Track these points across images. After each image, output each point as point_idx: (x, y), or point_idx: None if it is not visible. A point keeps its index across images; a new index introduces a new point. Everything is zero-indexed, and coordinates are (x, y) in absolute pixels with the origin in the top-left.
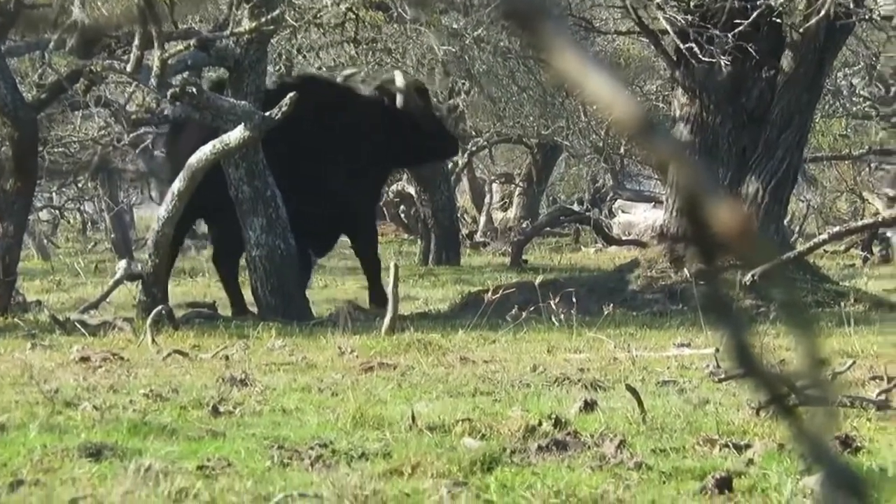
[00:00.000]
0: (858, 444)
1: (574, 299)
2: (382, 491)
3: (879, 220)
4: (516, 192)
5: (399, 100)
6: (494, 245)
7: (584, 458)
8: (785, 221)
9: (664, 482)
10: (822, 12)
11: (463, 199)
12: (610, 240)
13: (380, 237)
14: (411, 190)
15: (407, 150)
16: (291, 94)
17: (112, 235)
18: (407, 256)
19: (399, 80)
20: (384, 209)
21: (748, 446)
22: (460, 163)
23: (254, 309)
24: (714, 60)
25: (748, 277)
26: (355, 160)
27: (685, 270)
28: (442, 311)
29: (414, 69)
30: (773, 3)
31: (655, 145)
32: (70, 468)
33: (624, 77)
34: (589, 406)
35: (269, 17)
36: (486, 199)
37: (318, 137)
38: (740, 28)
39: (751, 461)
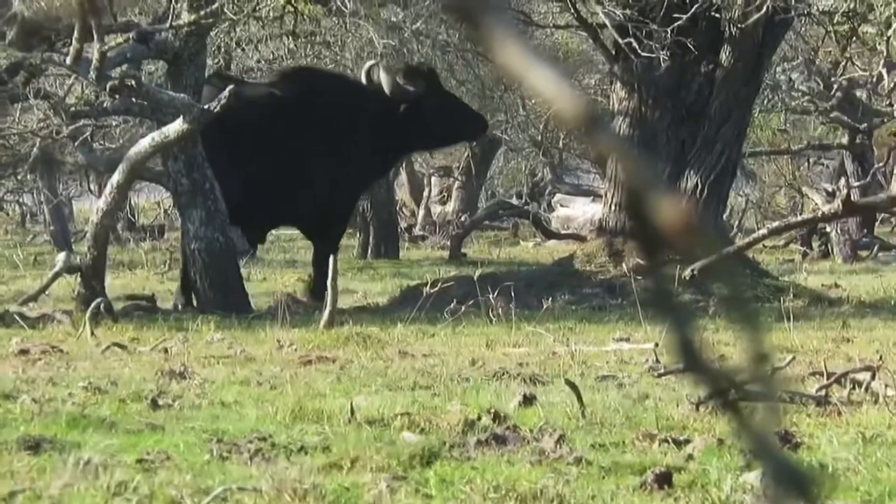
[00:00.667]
0: (798, 440)
1: (513, 293)
2: (321, 485)
3: (818, 215)
4: (455, 186)
5: (387, 86)
6: (433, 239)
7: (524, 452)
8: (724, 216)
9: (603, 477)
10: (762, 8)
11: (401, 192)
12: (549, 234)
13: None
14: None
15: (422, 134)
16: (230, 88)
17: (51, 228)
18: (345, 250)
19: (380, 68)
20: None
21: (688, 441)
22: None
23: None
24: (653, 55)
25: (688, 272)
26: (342, 150)
27: (624, 265)
28: (381, 305)
29: (352, 62)
30: None
31: (597, 140)
32: (9, 461)
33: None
34: (528, 400)
35: (208, 10)
36: (425, 193)
37: (308, 126)
38: (679, 23)
39: (690, 456)
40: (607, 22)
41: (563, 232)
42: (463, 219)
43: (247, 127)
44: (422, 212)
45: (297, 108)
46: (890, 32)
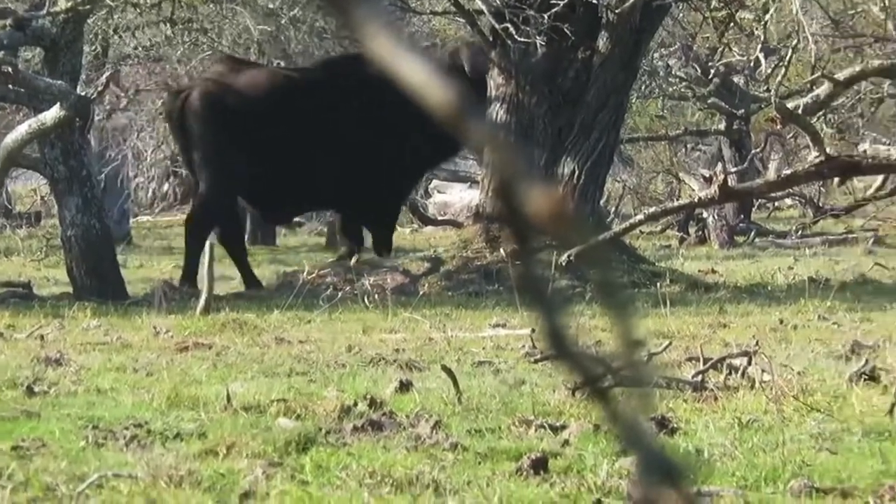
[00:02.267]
0: (675, 426)
1: (389, 279)
2: (197, 471)
3: (695, 200)
4: None
5: (467, 66)
6: (310, 225)
7: (400, 438)
8: (601, 202)
9: (479, 463)
10: None
11: None
12: (426, 220)
13: None
14: None
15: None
16: (108, 74)
17: None
18: None
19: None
20: None
21: (564, 427)
22: None
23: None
24: (530, 41)
25: (564, 258)
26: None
27: (501, 251)
28: (257, 291)
29: (230, 49)
30: None
31: (469, 127)
32: None
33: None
34: (404, 386)
35: None
36: None
37: (366, 114)
38: (556, 9)
39: (566, 442)
40: (484, 8)
41: (440, 218)
42: None
43: (304, 112)
44: None
45: (353, 94)
46: (767, 18)
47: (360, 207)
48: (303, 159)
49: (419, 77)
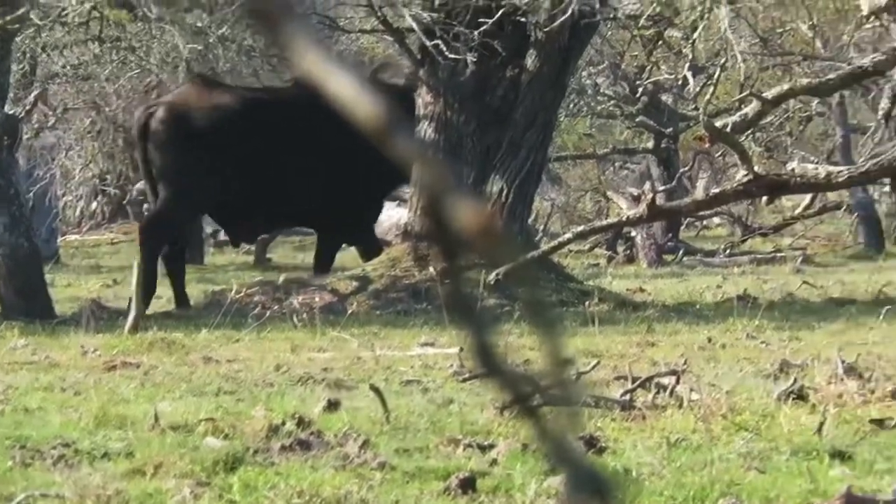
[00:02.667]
0: (603, 445)
1: (318, 298)
2: (125, 491)
3: (623, 219)
4: None
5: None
6: None
7: (328, 457)
8: (529, 220)
9: (408, 482)
10: (568, 12)
11: None
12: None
13: (123, 236)
14: None
15: None
16: (36, 93)
17: None
18: None
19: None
20: (128, 208)
21: (492, 446)
22: None
23: None
24: (459, 58)
25: (492, 276)
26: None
27: (429, 269)
28: (186, 311)
29: (158, 67)
30: (517, 2)
31: (398, 144)
32: None
33: (368, 76)
34: (332, 405)
35: (13, 15)
36: None
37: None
38: (485, 26)
39: (495, 461)
40: (414, 24)
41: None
42: None
43: (264, 130)
44: None
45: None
46: (695, 36)
47: (331, 225)
48: (270, 178)
49: (348, 93)
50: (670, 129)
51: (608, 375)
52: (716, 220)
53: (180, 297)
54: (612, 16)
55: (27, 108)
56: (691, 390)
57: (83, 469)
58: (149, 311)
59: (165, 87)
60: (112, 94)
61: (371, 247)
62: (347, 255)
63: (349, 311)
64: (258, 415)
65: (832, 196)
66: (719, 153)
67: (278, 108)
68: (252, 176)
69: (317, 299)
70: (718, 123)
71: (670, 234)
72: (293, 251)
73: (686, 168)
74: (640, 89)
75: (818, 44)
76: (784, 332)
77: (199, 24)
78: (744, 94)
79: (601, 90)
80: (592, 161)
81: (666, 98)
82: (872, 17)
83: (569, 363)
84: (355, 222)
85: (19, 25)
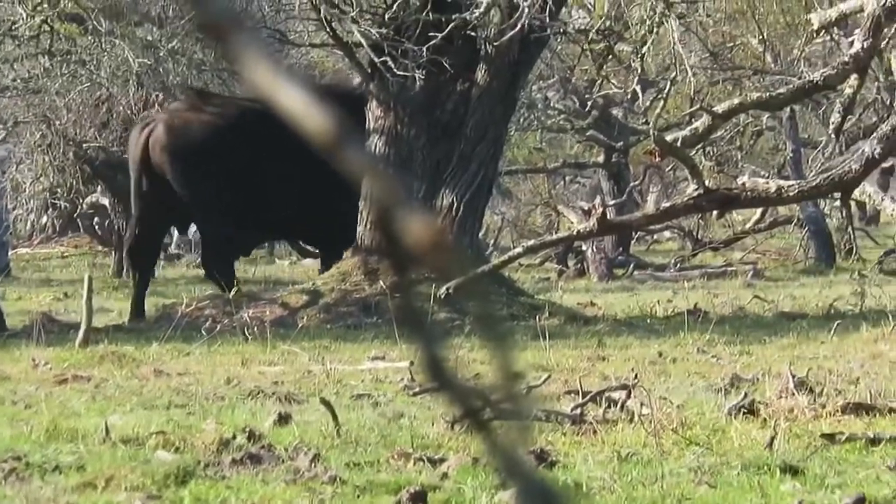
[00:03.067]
0: (554, 459)
1: (268, 312)
2: None
3: (574, 233)
4: None
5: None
6: (189, 257)
7: (278, 471)
8: (480, 234)
9: (358, 496)
10: (518, 26)
11: None
12: (304, 252)
13: (74, 250)
14: (105, 201)
15: None
16: None
17: None
18: (101, 268)
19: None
20: (79, 221)
21: (443, 460)
22: None
23: None
24: (408, 74)
25: (443, 290)
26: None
27: (380, 283)
28: (136, 324)
29: (108, 81)
30: (467, 17)
31: (348, 158)
32: None
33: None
34: (283, 419)
35: None
36: None
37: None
38: (434, 41)
39: (445, 475)
40: (363, 41)
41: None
42: None
43: (268, 142)
44: (177, 230)
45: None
46: (645, 50)
47: (331, 238)
48: (268, 188)
49: (297, 105)
50: (620, 144)
51: (559, 389)
52: (666, 234)
53: (138, 306)
54: (561, 30)
55: None
56: (642, 405)
57: (34, 482)
58: (99, 325)
59: (116, 100)
60: (62, 107)
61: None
62: (298, 269)
63: (300, 325)
64: (209, 428)
65: (783, 210)
66: (670, 167)
67: (276, 118)
68: (250, 186)
69: (267, 313)
70: (669, 137)
71: (621, 249)
72: (244, 265)
73: (636, 182)
74: (591, 103)
75: (768, 58)
76: (735, 346)
77: (150, 38)
78: (694, 108)
79: (551, 104)
80: (543, 175)
81: (616, 112)
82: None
83: (519, 377)
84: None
85: None
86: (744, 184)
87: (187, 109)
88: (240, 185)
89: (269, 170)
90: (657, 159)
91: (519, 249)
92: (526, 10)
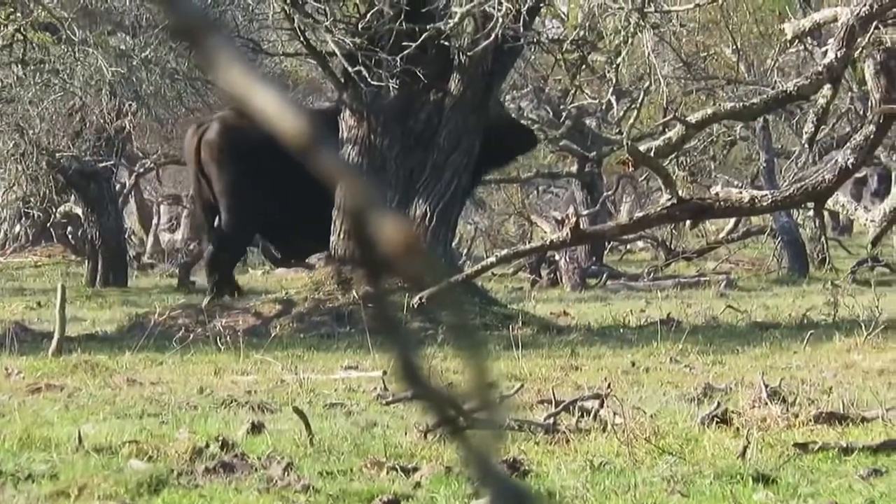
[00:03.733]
0: (527, 468)
1: (241, 321)
2: None
3: (547, 243)
4: (184, 214)
5: None
6: (162, 267)
7: (252, 480)
8: (453, 244)
9: None
10: (491, 36)
11: (130, 220)
12: (277, 262)
13: (47, 259)
14: (78, 211)
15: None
16: None
17: None
18: (74, 278)
19: None
20: (52, 230)
21: (416, 469)
22: (128, 184)
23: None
24: (382, 84)
25: (416, 300)
26: None
27: (353, 293)
28: (109, 333)
29: (82, 90)
30: (441, 26)
31: (320, 162)
32: None
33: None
34: (256, 428)
35: None
36: (154, 221)
37: None
38: (408, 51)
39: (418, 484)
40: (336, 50)
41: (291, 260)
42: (192, 247)
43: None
44: (151, 240)
45: None
46: (619, 60)
47: None
48: (303, 203)
49: (272, 110)
50: (594, 153)
51: (532, 399)
52: (639, 243)
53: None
54: (535, 40)
55: None
56: (615, 414)
57: (7, 491)
58: (72, 334)
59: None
60: (36, 116)
61: None
62: (272, 278)
63: (273, 335)
64: (182, 437)
65: (756, 220)
66: (643, 177)
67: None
68: (288, 198)
69: (240, 322)
70: (642, 147)
71: (594, 258)
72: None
73: (610, 192)
74: (564, 113)
75: (742, 68)
76: (708, 356)
77: (123, 47)
78: (667, 118)
79: (525, 114)
80: (516, 185)
81: (590, 122)
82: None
83: (493, 386)
84: None
85: None
86: (717, 194)
87: (241, 115)
88: (278, 196)
89: (306, 186)
90: (630, 169)
91: (492, 259)
92: (500, 20)
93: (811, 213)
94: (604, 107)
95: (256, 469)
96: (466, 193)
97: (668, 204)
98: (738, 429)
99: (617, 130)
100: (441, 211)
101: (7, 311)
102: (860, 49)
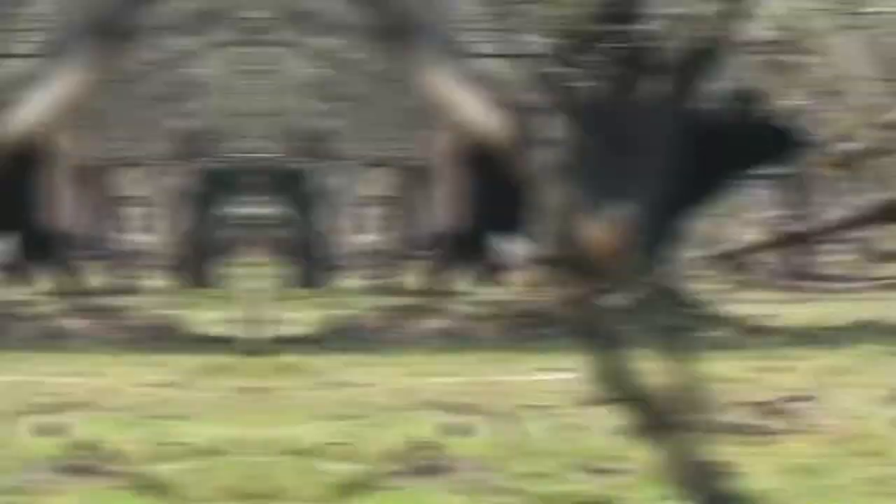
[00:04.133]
0: (730, 470)
1: (440, 322)
2: None
3: (757, 243)
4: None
5: None
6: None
7: (454, 482)
8: (673, 250)
9: None
10: (702, 37)
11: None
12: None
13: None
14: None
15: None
16: None
17: None
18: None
19: None
20: None
21: (620, 472)
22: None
23: None
24: (588, 84)
25: (623, 301)
26: None
27: (557, 294)
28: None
29: None
30: (650, 28)
31: (525, 165)
32: None
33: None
34: (458, 430)
35: None
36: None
37: None
38: (619, 52)
39: (622, 487)
40: (544, 51)
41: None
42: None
43: None
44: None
45: None
46: (822, 61)
47: None
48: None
49: (477, 111)
50: (803, 155)
51: (734, 400)
52: (841, 244)
53: None
54: (742, 41)
55: None
56: (819, 415)
57: None
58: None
59: None
60: None
61: None
62: (474, 280)
63: (471, 336)
64: (383, 438)
65: None
66: (846, 178)
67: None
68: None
69: (440, 323)
70: (849, 148)
71: (798, 258)
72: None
73: (814, 193)
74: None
75: None
76: None
77: None
78: (872, 120)
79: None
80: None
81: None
82: None
83: (698, 389)
84: None
85: None
86: None
87: None
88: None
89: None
90: (838, 170)
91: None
92: (709, 21)
93: None
94: (806, 108)
95: (459, 471)
96: (687, 199)
97: (881, 204)
98: None
99: (822, 132)
100: (650, 215)
101: None
102: None
